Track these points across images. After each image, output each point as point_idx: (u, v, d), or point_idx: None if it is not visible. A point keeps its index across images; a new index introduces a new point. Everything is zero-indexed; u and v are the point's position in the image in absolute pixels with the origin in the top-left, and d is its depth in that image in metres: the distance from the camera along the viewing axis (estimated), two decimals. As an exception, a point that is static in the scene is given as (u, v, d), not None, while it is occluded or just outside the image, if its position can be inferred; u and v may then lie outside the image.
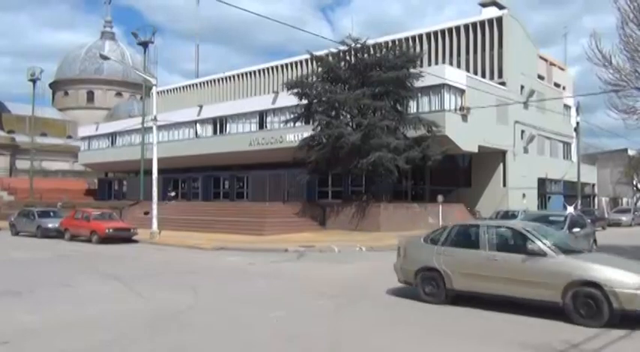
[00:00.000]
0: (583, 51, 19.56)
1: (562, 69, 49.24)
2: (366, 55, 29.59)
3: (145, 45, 36.14)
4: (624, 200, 60.55)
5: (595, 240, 17.94)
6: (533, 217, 16.76)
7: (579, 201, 43.67)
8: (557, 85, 46.62)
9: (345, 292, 10.97)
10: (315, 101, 29.12)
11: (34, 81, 47.83)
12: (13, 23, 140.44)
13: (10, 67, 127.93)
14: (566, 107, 46.36)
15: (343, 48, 29.28)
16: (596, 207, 51.04)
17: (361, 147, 27.07)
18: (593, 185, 54.33)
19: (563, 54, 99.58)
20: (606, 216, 42.83)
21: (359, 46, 29.06)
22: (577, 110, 45.47)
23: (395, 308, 9.52)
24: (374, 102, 28.16)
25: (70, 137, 72.28)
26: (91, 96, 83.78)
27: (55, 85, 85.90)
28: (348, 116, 29.46)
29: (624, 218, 40.46)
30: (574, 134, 45.97)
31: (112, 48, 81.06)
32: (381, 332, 7.71)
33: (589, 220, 20.69)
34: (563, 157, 46.10)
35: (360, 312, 9.24)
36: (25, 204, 38.42)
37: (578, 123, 45.18)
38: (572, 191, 44.78)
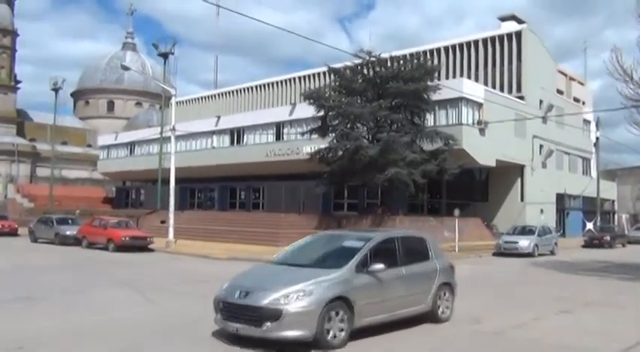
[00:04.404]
0: (604, 65, 19.33)
1: (582, 84, 48.83)
2: (382, 68, 29.58)
3: (165, 56, 36.45)
4: (645, 217, 59.54)
5: (451, 290, 9.34)
6: (321, 241, 9.48)
7: (598, 218, 43.14)
8: (576, 100, 46.22)
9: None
10: (331, 113, 29.16)
11: (56, 90, 48.45)
12: (35, 32, 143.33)
13: (32, 76, 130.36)
14: (586, 122, 45.93)
15: (359, 61, 29.31)
16: (615, 223, 50.22)
17: (378, 160, 26.99)
18: (613, 201, 53.56)
19: (584, 68, 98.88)
20: (626, 233, 42.10)
21: (374, 59, 29.07)
22: (597, 125, 45.15)
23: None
24: (391, 115, 28.10)
25: (89, 146, 73.27)
26: (111, 106, 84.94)
27: (76, 94, 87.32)
28: (365, 128, 29.43)
29: (645, 235, 39.68)
30: (593, 149, 45.51)
31: (133, 58, 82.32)
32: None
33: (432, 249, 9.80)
34: (583, 173, 45.55)
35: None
36: (44, 211, 38.90)
37: (597, 138, 44.83)
38: (591, 207, 44.20)
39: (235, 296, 7.44)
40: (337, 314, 7.26)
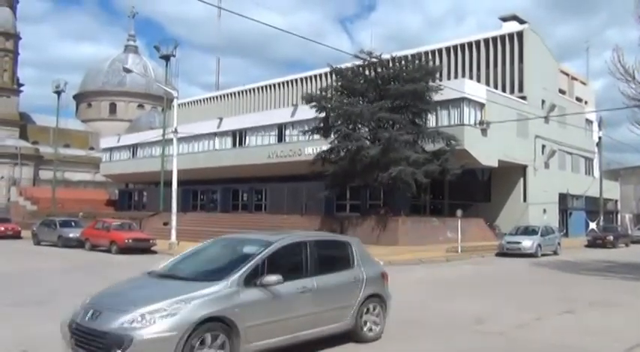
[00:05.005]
0: (606, 65, 19.35)
1: (584, 83, 48.80)
2: (383, 69, 29.58)
3: (166, 58, 36.54)
4: (648, 216, 59.43)
5: (381, 303, 7.84)
6: (219, 246, 7.67)
7: (601, 217, 43.09)
8: (578, 100, 46.18)
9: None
10: (332, 114, 29.18)
11: (58, 93, 48.57)
12: (37, 35, 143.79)
13: (35, 79, 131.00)
14: (588, 122, 45.89)
15: (360, 62, 29.30)
16: (619, 223, 50.15)
17: (380, 160, 27.00)
18: (616, 201, 53.47)
19: (586, 68, 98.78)
20: (630, 232, 42.04)
21: (374, 59, 29.06)
22: (599, 125, 45.13)
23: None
24: (391, 116, 28.10)
25: (92, 148, 73.39)
26: (113, 108, 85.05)
27: (78, 97, 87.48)
28: (366, 129, 29.45)
29: (648, 235, 39.62)
30: (596, 149, 45.47)
31: (135, 61, 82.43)
32: None
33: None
34: (585, 173, 45.50)
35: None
36: (47, 214, 39.03)
37: (600, 138, 44.82)
38: (594, 207, 44.18)
39: (86, 318, 5.91)
40: (214, 338, 5.77)
